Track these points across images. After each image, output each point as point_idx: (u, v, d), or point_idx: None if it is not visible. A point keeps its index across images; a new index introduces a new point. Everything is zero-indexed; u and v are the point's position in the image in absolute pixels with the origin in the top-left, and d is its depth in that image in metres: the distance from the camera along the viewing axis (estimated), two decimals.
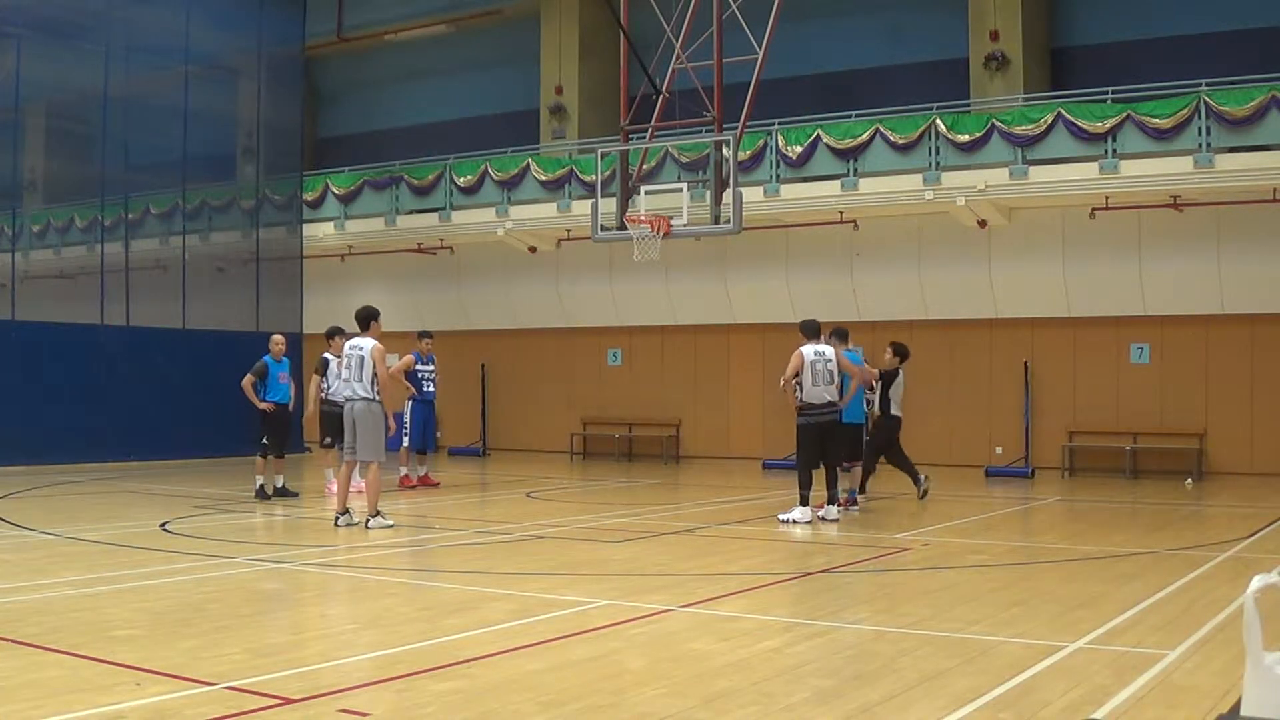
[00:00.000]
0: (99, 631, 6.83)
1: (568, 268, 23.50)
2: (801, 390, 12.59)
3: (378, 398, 11.93)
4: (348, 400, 12.07)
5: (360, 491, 12.50)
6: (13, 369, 18.89)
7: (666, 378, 23.23)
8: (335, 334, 14.63)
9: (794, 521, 12.40)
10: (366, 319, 12.21)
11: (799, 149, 19.81)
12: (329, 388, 14.44)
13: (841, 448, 13.12)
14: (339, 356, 13.42)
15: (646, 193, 16.32)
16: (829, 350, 12.77)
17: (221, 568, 9.34)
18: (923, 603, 7.95)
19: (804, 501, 12.53)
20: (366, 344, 12.03)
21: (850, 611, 7.64)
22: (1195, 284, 18.51)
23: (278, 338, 15.22)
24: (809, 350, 12.64)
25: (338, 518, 11.97)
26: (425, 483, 16.46)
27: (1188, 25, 19.76)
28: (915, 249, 20.34)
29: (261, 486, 14.69)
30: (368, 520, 11.76)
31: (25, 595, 8.09)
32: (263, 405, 14.49)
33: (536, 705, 5.25)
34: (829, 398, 12.64)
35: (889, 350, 14.45)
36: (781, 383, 12.68)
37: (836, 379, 12.72)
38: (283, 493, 14.81)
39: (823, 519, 12.57)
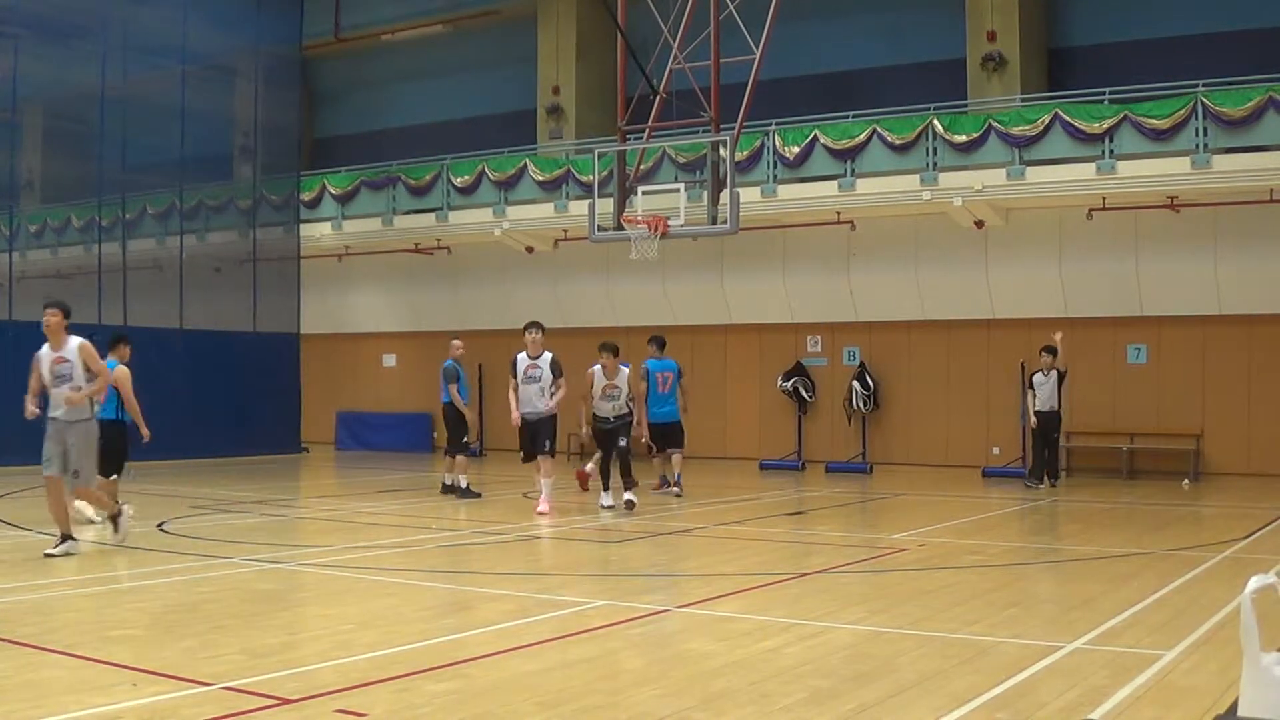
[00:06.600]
0: (96, 632, 6.83)
1: (565, 268, 23.47)
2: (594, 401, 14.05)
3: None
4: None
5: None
6: (10, 369, 18.79)
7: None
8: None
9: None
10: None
11: (796, 149, 19.80)
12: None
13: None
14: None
15: (644, 193, 16.33)
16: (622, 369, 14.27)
17: (218, 568, 9.34)
18: (920, 603, 7.95)
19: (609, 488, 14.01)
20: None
21: (847, 612, 7.64)
22: (1192, 285, 18.52)
23: (458, 341, 15.63)
24: (598, 369, 14.06)
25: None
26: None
27: (1185, 26, 19.75)
28: (912, 250, 20.33)
29: (454, 484, 15.14)
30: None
31: (23, 595, 8.09)
32: (468, 412, 15.15)
33: (534, 705, 5.25)
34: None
35: (1049, 355, 16.74)
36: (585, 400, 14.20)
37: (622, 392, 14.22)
38: (466, 493, 15.02)
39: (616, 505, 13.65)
